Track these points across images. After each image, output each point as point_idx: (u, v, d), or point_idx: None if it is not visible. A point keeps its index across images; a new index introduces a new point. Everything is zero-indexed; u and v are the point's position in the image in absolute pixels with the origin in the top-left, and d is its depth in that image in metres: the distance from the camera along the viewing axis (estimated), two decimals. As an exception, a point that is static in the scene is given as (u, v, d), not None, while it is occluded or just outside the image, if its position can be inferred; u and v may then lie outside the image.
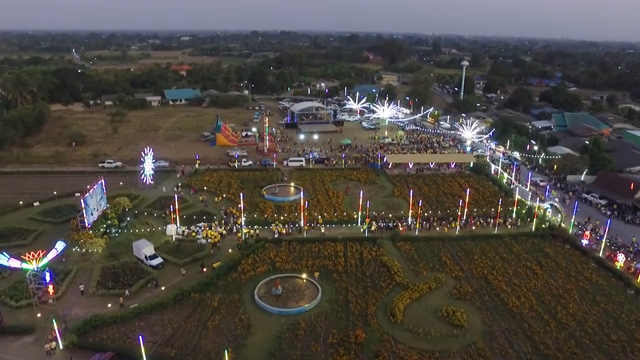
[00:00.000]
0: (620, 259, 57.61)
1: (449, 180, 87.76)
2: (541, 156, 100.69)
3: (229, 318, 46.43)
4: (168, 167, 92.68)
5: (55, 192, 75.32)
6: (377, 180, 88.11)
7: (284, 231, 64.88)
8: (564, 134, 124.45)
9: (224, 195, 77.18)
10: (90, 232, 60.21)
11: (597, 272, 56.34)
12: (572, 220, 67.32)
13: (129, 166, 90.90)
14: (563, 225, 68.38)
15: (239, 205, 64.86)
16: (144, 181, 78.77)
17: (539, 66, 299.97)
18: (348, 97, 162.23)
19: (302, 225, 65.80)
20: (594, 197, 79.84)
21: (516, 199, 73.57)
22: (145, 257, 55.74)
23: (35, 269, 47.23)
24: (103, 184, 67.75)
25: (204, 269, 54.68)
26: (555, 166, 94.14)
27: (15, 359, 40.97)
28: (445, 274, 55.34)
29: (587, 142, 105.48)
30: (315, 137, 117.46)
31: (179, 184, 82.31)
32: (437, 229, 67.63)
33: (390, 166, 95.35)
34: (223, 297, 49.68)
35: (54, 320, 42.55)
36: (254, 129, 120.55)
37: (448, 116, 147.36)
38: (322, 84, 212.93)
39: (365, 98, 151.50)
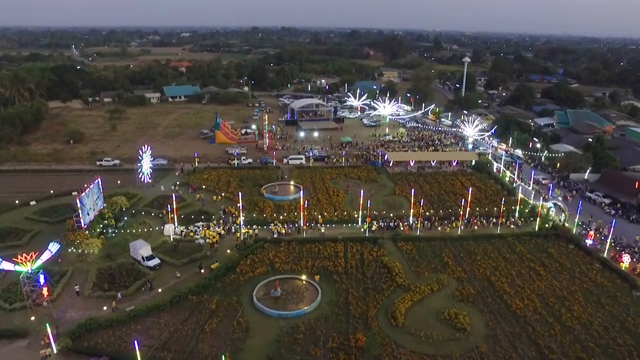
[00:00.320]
0: (626, 259, 56.76)
1: (451, 179, 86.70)
2: (544, 154, 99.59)
3: (227, 321, 45.54)
4: (167, 165, 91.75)
5: (52, 191, 74.43)
6: (378, 178, 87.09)
7: (284, 231, 63.96)
8: (567, 131, 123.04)
9: (223, 194, 76.20)
10: (87, 232, 59.32)
11: (601, 273, 55.40)
12: (576, 220, 66.23)
13: (127, 164, 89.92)
14: (567, 224, 67.35)
15: (238, 205, 63.92)
16: (142, 179, 77.87)
17: (541, 62, 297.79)
18: (348, 93, 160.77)
19: (302, 225, 64.84)
20: (597, 195, 78.78)
21: (519, 198, 72.63)
22: (143, 258, 54.83)
23: (29, 271, 46.24)
24: (99, 183, 66.76)
25: (202, 270, 53.79)
26: (558, 164, 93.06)
27: (9, 363, 40.13)
28: (448, 275, 54.40)
29: (590, 139, 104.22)
30: (316, 134, 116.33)
31: (177, 182, 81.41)
32: (439, 228, 66.65)
33: (391, 164, 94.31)
34: (221, 299, 48.80)
35: (47, 325, 41.63)
36: (253, 126, 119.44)
37: (449, 113, 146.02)
38: (323, 81, 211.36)
39: (365, 95, 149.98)
